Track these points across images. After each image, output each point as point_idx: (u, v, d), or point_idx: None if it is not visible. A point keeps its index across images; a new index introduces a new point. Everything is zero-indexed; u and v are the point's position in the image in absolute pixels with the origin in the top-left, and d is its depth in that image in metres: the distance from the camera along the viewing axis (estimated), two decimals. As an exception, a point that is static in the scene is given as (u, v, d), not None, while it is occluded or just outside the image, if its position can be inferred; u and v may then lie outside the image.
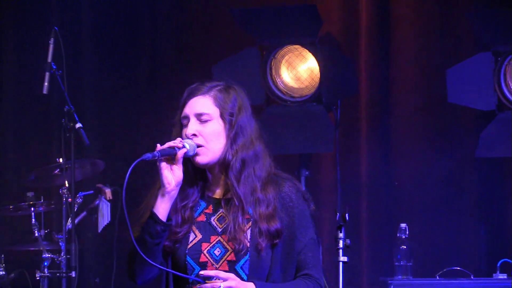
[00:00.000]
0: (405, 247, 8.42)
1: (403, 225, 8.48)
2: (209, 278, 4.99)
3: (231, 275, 4.93)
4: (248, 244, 5.06)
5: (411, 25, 10.07)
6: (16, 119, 10.15)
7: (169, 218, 4.99)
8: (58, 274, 8.40)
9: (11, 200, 9.26)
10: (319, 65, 8.78)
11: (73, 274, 8.01)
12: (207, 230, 5.09)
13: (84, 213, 8.57)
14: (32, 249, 8.93)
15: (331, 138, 8.96)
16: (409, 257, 8.43)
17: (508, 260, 8.35)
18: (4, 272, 8.77)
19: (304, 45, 8.84)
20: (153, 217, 4.93)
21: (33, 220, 8.75)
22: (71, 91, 8.07)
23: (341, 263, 6.47)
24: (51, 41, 8.05)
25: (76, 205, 8.38)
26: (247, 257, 5.04)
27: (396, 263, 8.45)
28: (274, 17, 9.05)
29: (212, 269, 5.01)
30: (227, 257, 5.03)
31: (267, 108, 8.93)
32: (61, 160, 8.50)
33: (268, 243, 5.03)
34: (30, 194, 8.78)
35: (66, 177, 8.42)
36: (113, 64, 10.31)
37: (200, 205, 5.12)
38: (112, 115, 9.81)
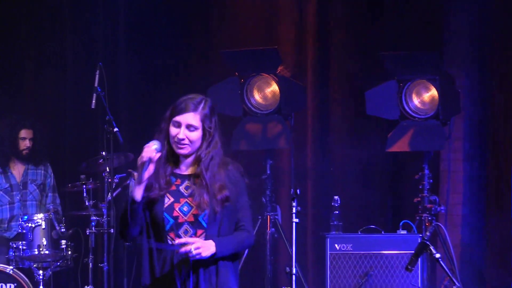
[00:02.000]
0: (337, 212, 8.69)
1: (336, 197, 8.74)
2: (184, 244, 5.23)
3: (196, 239, 5.27)
4: (207, 205, 5.35)
5: (343, 61, 10.15)
6: (74, 124, 10.12)
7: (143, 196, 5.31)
8: (101, 231, 8.70)
9: (70, 180, 9.39)
10: (279, 88, 9.09)
11: (112, 230, 8.47)
12: (177, 195, 5.38)
13: (119, 189, 8.68)
14: (83, 213, 9.02)
15: (287, 138, 9.21)
16: (340, 219, 8.68)
17: (407, 221, 8.68)
18: (64, 229, 8.86)
19: (270, 75, 9.13)
20: (133, 199, 5.24)
21: (85, 194, 8.94)
22: (111, 105, 8.58)
23: (294, 223, 7.25)
24: (97, 72, 8.54)
25: (114, 184, 8.61)
26: (206, 212, 5.34)
27: (331, 223, 8.69)
28: (249, 56, 9.22)
29: (182, 221, 5.32)
30: (193, 211, 5.35)
31: (244, 118, 9.18)
32: (104, 153, 8.75)
33: (220, 204, 5.34)
34: (82, 176, 8.96)
35: (107, 164, 8.74)
36: (142, 88, 10.27)
37: (172, 179, 5.41)
38: (139, 122, 9.90)
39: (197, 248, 5.22)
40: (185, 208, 5.39)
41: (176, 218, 5.38)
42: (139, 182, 5.25)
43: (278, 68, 9.26)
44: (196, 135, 5.39)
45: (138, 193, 5.27)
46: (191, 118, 5.37)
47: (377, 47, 9.87)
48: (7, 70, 10.35)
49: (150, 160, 5.21)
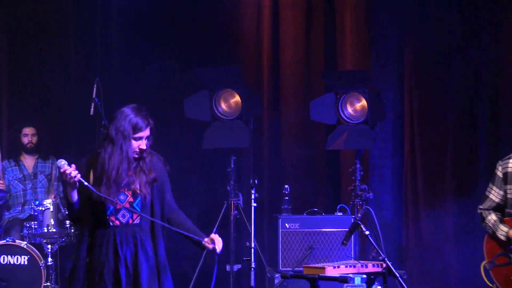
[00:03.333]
0: (287, 198, 8.69)
1: (286, 186, 8.74)
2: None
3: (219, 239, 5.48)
4: (138, 191, 5.43)
5: (291, 77, 10.15)
6: (76, 127, 10.04)
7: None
8: None
9: None
10: (241, 99, 9.07)
11: None
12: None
13: None
14: None
15: (247, 138, 9.11)
16: (289, 203, 8.69)
17: (343, 205, 8.71)
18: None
19: (233, 89, 9.09)
20: (69, 201, 5.33)
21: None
22: (106, 112, 8.44)
23: (253, 207, 7.42)
24: (95, 86, 8.55)
25: None
26: (139, 198, 5.42)
27: (283, 207, 8.69)
28: (217, 73, 9.18)
29: (120, 207, 5.36)
30: (128, 199, 5.42)
31: (213, 122, 9.09)
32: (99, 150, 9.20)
33: (149, 188, 5.44)
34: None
35: None
36: (131, 99, 9.92)
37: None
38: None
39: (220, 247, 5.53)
40: (122, 197, 5.45)
41: (115, 205, 5.41)
42: (72, 189, 5.33)
43: (241, 83, 9.20)
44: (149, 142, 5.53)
45: (74, 196, 5.35)
46: (148, 132, 5.49)
47: (318, 66, 10.02)
48: (22, 81, 10.29)
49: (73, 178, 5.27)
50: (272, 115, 10.30)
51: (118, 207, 5.42)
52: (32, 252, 8.30)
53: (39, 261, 8.30)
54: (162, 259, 5.56)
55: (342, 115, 9.07)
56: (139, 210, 5.43)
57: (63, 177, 5.36)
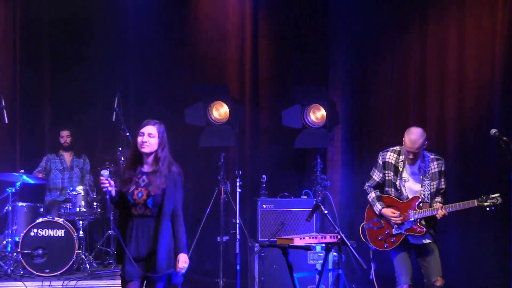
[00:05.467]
0: (264, 185, 8.61)
1: (264, 175, 8.66)
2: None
3: (183, 262, 5.24)
4: (153, 193, 5.31)
5: (268, 91, 10.16)
6: (103, 131, 9.93)
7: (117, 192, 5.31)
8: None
9: (99, 165, 8.91)
10: (229, 109, 8.96)
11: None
12: (138, 185, 5.34)
13: None
14: None
15: (234, 139, 9.08)
16: (266, 189, 8.62)
17: (307, 190, 8.64)
18: (95, 196, 8.80)
19: (222, 101, 8.96)
20: (111, 195, 5.28)
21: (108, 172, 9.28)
22: (125, 119, 8.70)
23: (238, 192, 7.44)
24: (116, 98, 8.65)
25: None
26: (151, 198, 5.29)
27: (261, 192, 8.62)
28: (210, 89, 9.11)
29: (137, 202, 5.26)
30: (143, 197, 5.32)
31: (207, 127, 8.94)
32: (120, 148, 8.83)
33: (161, 191, 5.30)
34: (107, 162, 8.86)
35: (122, 155, 8.78)
36: (145, 107, 9.91)
37: (137, 175, 5.37)
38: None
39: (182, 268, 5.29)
40: (139, 194, 5.36)
41: (134, 199, 5.34)
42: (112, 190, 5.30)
43: (229, 96, 9.13)
44: (153, 140, 5.37)
45: (112, 191, 5.33)
46: (150, 128, 5.39)
47: (288, 83, 9.93)
48: (60, 94, 10.10)
49: (108, 189, 5.24)
50: (253, 121, 10.26)
51: (136, 201, 5.33)
52: (67, 227, 8.24)
53: (73, 233, 8.26)
54: (167, 242, 5.40)
55: (306, 121, 9.02)
56: (150, 206, 5.30)
57: (100, 182, 5.31)
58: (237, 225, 7.05)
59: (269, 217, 8.38)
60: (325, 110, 8.97)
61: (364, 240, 6.60)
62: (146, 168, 5.42)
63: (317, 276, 6.55)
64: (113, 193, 5.31)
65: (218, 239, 8.80)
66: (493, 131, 6.20)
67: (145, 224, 5.33)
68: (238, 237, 7.09)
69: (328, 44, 10.10)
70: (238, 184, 7.16)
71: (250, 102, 10.21)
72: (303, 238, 6.25)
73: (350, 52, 10.02)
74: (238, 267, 6.60)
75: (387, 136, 9.66)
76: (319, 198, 8.57)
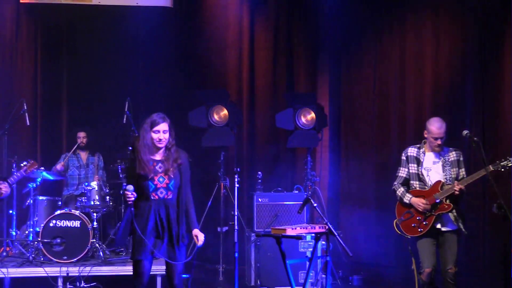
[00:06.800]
0: (260, 180, 8.58)
1: (259, 172, 8.66)
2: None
3: (202, 236, 5.36)
4: (172, 175, 5.39)
5: (263, 97, 10.14)
6: (115, 131, 9.56)
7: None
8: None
9: (112, 162, 9.05)
10: (228, 112, 8.94)
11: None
12: (156, 172, 5.38)
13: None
14: (118, 181, 8.89)
15: (232, 139, 9.01)
16: (261, 184, 8.60)
17: (299, 185, 8.60)
18: (108, 190, 8.72)
19: (222, 105, 8.95)
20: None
21: (119, 170, 8.88)
22: (134, 121, 8.49)
23: (236, 187, 7.01)
24: (127, 103, 8.48)
25: None
26: (173, 181, 5.38)
27: (257, 186, 8.58)
28: (211, 94, 9.05)
29: (159, 186, 5.31)
30: (165, 181, 5.39)
31: (209, 128, 8.91)
32: (130, 148, 7.87)
33: (178, 173, 5.42)
34: (118, 160, 8.87)
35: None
36: (153, 111, 10.01)
37: (153, 164, 5.38)
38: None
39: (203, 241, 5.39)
40: (160, 179, 5.41)
41: (155, 185, 5.38)
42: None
43: (228, 101, 9.11)
44: (167, 135, 5.43)
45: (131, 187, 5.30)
46: (165, 125, 5.43)
47: (281, 89, 10.01)
48: (77, 98, 10.04)
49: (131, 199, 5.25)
50: (250, 123, 10.23)
51: (158, 186, 5.37)
52: (83, 218, 8.18)
53: (87, 224, 8.13)
54: (183, 221, 5.49)
55: (298, 123, 8.99)
56: (172, 189, 5.36)
57: (124, 194, 5.32)
58: (236, 217, 6.89)
59: (264, 209, 8.35)
60: (314, 113, 8.95)
61: (400, 233, 6.39)
62: (158, 157, 5.43)
63: (307, 263, 6.50)
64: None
65: (219, 229, 8.78)
66: (465, 132, 6.14)
67: (167, 205, 5.39)
68: (236, 227, 6.95)
69: (318, 55, 10.16)
70: (236, 180, 7.04)
71: (247, 106, 10.21)
72: (295, 228, 6.21)
73: (337, 61, 10.08)
74: (236, 255, 6.54)
75: (370, 136, 9.73)
76: (309, 192, 8.53)
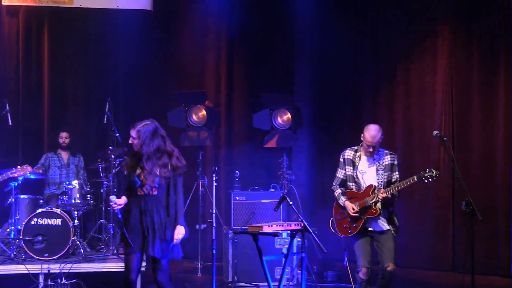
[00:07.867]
0: (237, 179, 8.62)
1: (237, 171, 8.67)
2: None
3: (180, 234, 5.41)
4: (158, 173, 5.45)
5: (241, 98, 10.13)
6: (96, 132, 9.73)
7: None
8: (108, 190, 8.60)
9: (92, 162, 9.00)
10: (206, 113, 8.98)
11: (115, 190, 8.44)
12: (142, 169, 5.46)
13: (118, 168, 8.48)
14: (99, 180, 8.89)
15: (210, 139, 9.04)
16: (239, 183, 8.60)
17: (275, 184, 8.57)
18: (89, 189, 8.64)
19: (201, 106, 9.00)
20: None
21: (100, 169, 8.85)
22: (115, 121, 8.49)
23: (214, 185, 6.86)
24: (107, 103, 8.49)
25: (115, 164, 8.51)
26: (157, 178, 5.44)
27: (234, 185, 8.62)
28: (190, 95, 9.05)
29: (145, 183, 5.40)
30: (151, 178, 5.46)
31: (187, 128, 8.96)
32: (110, 147, 8.69)
33: (164, 175, 5.45)
34: (99, 160, 8.82)
35: (112, 153, 8.62)
36: (132, 111, 9.68)
37: (140, 162, 5.44)
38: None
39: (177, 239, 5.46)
40: (146, 177, 5.49)
41: (141, 181, 5.48)
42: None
43: (206, 102, 9.12)
44: (137, 141, 5.47)
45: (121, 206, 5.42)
46: (132, 132, 5.52)
47: (258, 90, 9.85)
48: (58, 100, 9.99)
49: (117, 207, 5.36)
50: (227, 123, 10.24)
51: (143, 182, 5.45)
52: (64, 216, 8.10)
53: (69, 222, 8.07)
54: (169, 218, 5.53)
55: (274, 123, 9.01)
56: (157, 186, 5.44)
57: (110, 204, 5.40)
58: (213, 215, 6.83)
59: (241, 207, 8.34)
60: (290, 114, 8.96)
61: (334, 231, 6.51)
62: (144, 158, 5.52)
63: (283, 259, 6.43)
64: (120, 208, 5.43)
65: (197, 226, 8.80)
66: (435, 132, 6.21)
67: (152, 202, 5.44)
68: (214, 225, 6.92)
69: (294, 58, 10.25)
70: (214, 178, 7.00)
71: (225, 106, 10.22)
72: (271, 225, 6.20)
73: (313, 64, 10.16)
74: (214, 251, 6.53)
75: (344, 136, 9.75)
76: (285, 190, 8.55)
